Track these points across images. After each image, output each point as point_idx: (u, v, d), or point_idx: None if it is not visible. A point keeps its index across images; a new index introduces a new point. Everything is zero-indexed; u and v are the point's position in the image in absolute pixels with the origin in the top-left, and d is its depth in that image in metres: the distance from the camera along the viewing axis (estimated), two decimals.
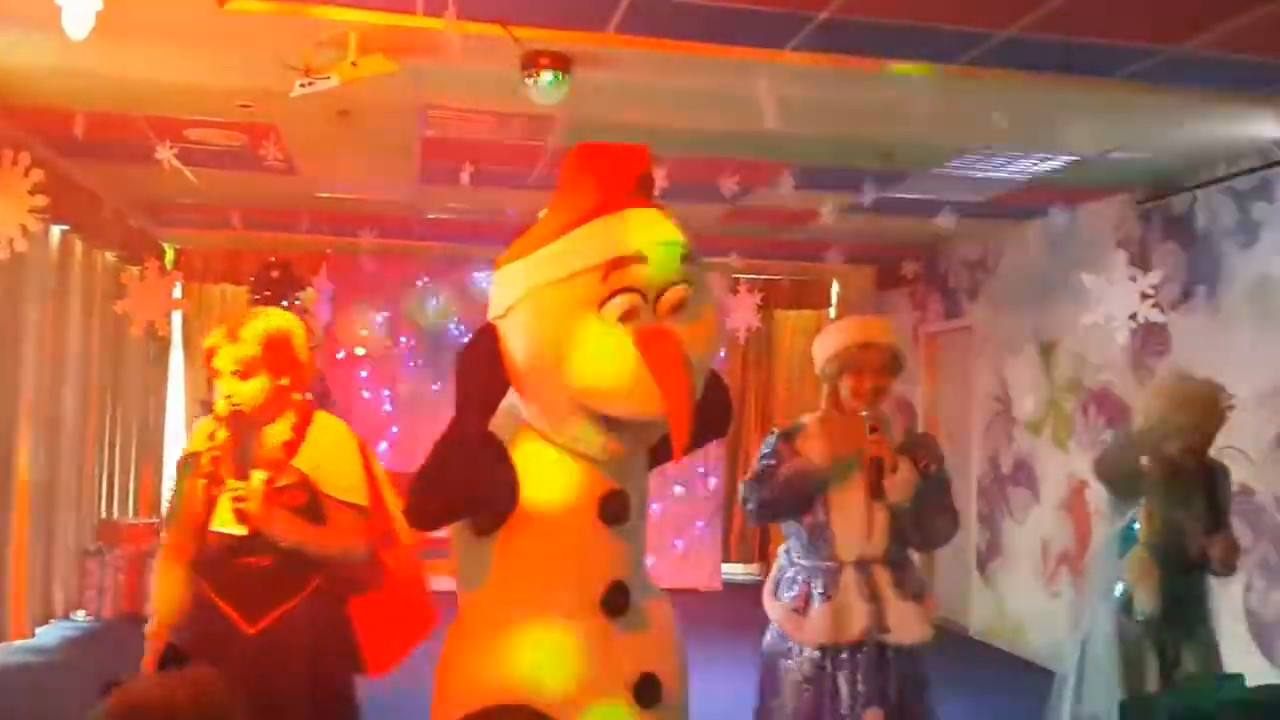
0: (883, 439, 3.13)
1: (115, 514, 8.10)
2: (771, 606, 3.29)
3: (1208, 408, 3.32)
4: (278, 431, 2.91)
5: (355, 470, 2.97)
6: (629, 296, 2.40)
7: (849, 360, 3.21)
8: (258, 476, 2.83)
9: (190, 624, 2.87)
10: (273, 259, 7.33)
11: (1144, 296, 5.67)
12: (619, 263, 2.39)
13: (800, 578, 3.23)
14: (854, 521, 3.16)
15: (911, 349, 8.70)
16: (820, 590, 3.16)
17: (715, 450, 9.55)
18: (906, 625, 3.13)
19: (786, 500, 3.20)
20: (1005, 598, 7.54)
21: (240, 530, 2.80)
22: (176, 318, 8.53)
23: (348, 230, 8.09)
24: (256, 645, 2.82)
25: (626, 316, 2.41)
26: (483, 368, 2.55)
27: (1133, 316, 5.73)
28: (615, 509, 2.64)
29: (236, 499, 2.78)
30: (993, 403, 7.74)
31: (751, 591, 3.98)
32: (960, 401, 8.24)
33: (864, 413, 3.17)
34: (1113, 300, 5.78)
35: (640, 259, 2.40)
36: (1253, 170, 5.37)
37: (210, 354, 2.92)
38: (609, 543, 2.65)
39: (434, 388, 9.13)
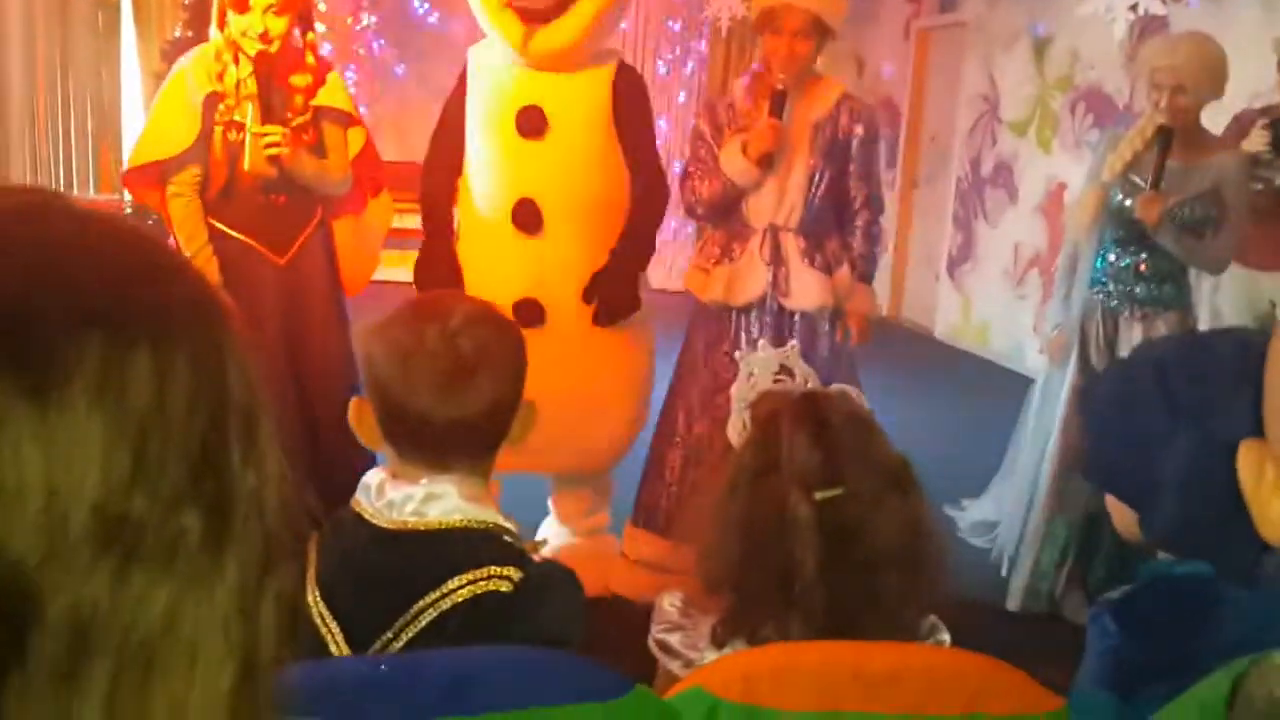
0: (775, 125, 2.96)
1: (75, 192, 7.93)
2: (687, 270, 3.30)
3: (1196, 57, 3.06)
4: (301, 80, 3.03)
5: (349, 97, 3.23)
6: None
7: (766, 19, 3.01)
8: (277, 127, 2.94)
9: (219, 262, 3.02)
10: None
11: None
12: None
13: (709, 239, 3.23)
14: (765, 188, 3.07)
15: (902, 45, 8.34)
16: (726, 253, 3.15)
17: None
18: (805, 291, 3.10)
19: (716, 211, 3.17)
20: (972, 300, 7.59)
21: (272, 172, 2.97)
22: None
23: None
24: (288, 274, 3.08)
25: None
26: (446, 126, 3.11)
27: (1133, 7, 5.42)
28: (529, 121, 2.95)
29: (270, 144, 2.91)
30: (980, 102, 7.48)
31: None
32: (947, 102, 7.97)
33: (780, 76, 2.99)
34: None
35: None
36: None
37: None
38: (523, 157, 3.00)
39: (398, 70, 8.73)
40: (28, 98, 7.05)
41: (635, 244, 3.10)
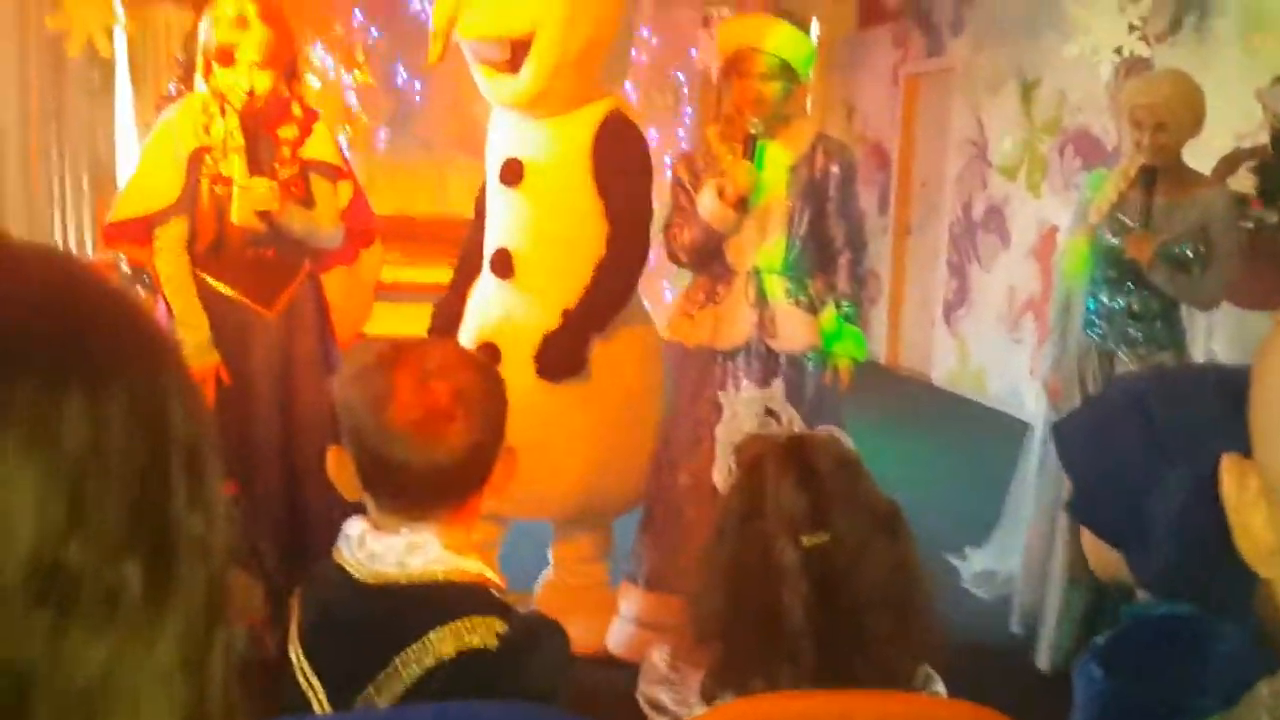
0: (748, 168, 2.97)
1: (74, 253, 7.93)
2: (672, 318, 3.28)
3: (1175, 95, 3.07)
4: (288, 132, 3.03)
5: (337, 149, 3.24)
6: None
7: (734, 63, 3.04)
8: (264, 180, 2.93)
9: (209, 317, 3.01)
10: None
11: (1131, 28, 5.41)
12: None
13: (695, 285, 3.23)
14: (745, 231, 3.07)
15: (891, 91, 8.42)
16: (711, 297, 3.16)
17: None
18: (793, 333, 3.08)
19: (698, 257, 3.17)
20: (968, 345, 7.58)
21: (260, 225, 2.95)
22: (119, 39, 8.06)
23: None
24: (278, 327, 3.08)
25: None
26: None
27: (1118, 50, 5.48)
28: (508, 171, 3.04)
29: (259, 197, 2.89)
30: (969, 147, 7.53)
31: None
32: (937, 147, 8.02)
33: (751, 120, 3.01)
34: (1099, 31, 5.53)
35: None
36: None
37: (212, 39, 2.91)
38: (503, 206, 3.10)
39: (380, 134, 8.74)
40: (23, 157, 7.09)
41: (591, 305, 3.00)
